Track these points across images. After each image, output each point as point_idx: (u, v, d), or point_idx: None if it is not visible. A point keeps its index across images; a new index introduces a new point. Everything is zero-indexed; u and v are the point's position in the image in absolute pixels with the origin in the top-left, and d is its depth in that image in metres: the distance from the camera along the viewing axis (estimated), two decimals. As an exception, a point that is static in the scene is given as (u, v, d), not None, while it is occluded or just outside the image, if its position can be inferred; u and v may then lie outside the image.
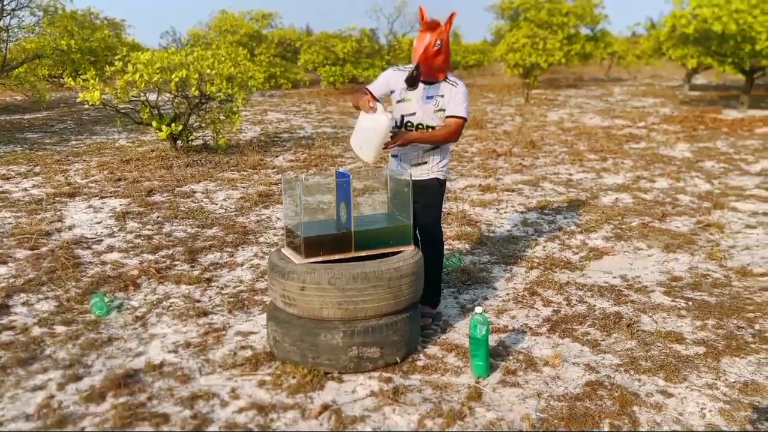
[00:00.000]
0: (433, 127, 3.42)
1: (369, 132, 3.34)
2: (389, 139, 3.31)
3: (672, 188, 6.90)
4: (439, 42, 3.25)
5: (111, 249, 4.79)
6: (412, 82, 3.26)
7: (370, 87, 3.47)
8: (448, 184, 4.26)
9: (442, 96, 3.38)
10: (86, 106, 8.06)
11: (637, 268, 4.51)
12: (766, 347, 3.32)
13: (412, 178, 3.37)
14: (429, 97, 3.39)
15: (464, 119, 3.39)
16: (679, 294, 4.04)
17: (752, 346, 3.33)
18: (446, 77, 3.41)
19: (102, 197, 6.30)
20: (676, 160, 8.45)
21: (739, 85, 17.40)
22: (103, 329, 3.46)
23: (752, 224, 5.55)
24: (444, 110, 3.40)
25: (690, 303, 3.89)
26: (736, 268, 4.49)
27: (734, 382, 2.98)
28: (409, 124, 3.45)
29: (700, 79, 22.85)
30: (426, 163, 3.52)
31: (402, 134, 3.34)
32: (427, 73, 3.31)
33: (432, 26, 3.25)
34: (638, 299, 3.95)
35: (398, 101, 3.46)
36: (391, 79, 3.46)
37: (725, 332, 3.49)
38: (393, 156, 3.64)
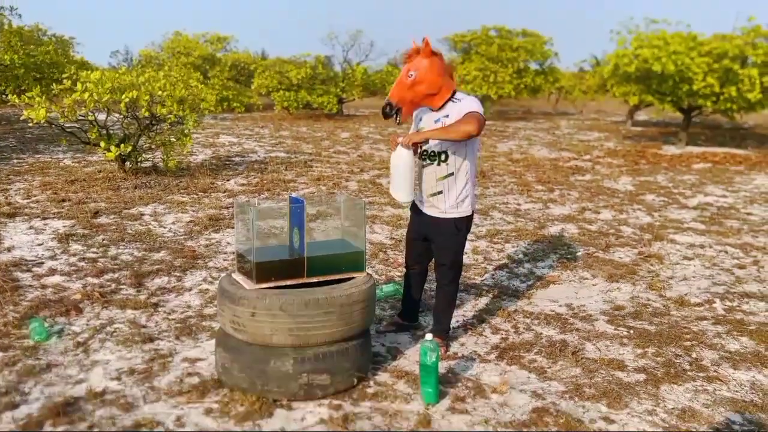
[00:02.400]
0: (447, 155, 3.32)
1: (395, 169, 3.30)
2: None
3: (615, 220, 7.14)
4: (412, 72, 3.23)
5: (53, 272, 4.63)
6: (385, 117, 3.29)
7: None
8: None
9: (447, 116, 3.30)
10: (30, 124, 7.81)
11: (582, 297, 4.64)
12: (703, 375, 3.45)
13: (428, 212, 3.43)
14: (436, 121, 3.34)
15: (479, 113, 3.21)
16: (622, 322, 4.17)
17: (689, 373, 3.46)
18: (451, 98, 3.33)
19: (44, 218, 6.10)
20: (620, 193, 8.76)
21: (677, 122, 18.23)
22: (42, 355, 3.33)
23: (689, 256, 5.79)
24: (448, 117, 3.31)
25: (631, 331, 4.02)
26: (675, 298, 4.67)
27: (672, 408, 3.08)
28: (424, 153, 3.39)
29: (641, 116, 23.81)
30: (441, 192, 3.37)
31: (415, 132, 3.28)
32: (419, 104, 3.35)
33: (407, 58, 3.28)
34: (583, 327, 4.06)
35: (416, 129, 3.48)
36: (416, 117, 3.51)
37: (664, 360, 3.61)
38: (417, 185, 3.50)
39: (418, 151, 3.38)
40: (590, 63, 28.83)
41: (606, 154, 12.99)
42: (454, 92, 3.36)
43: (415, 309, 3.90)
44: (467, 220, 3.47)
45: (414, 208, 3.58)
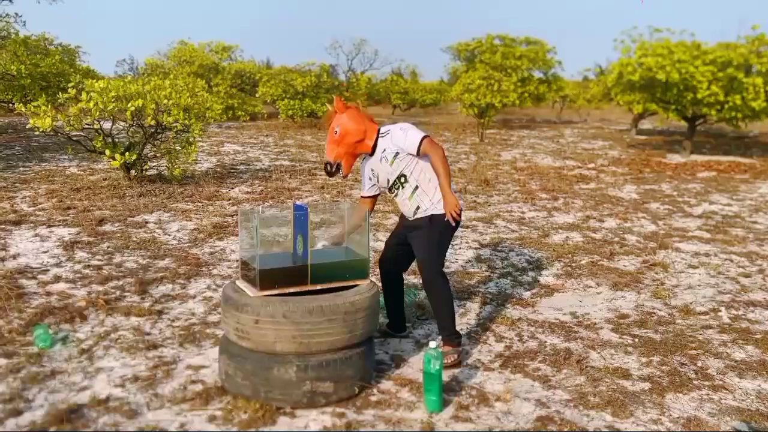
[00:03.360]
0: (405, 176, 3.49)
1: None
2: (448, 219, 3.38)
3: (620, 228, 7.13)
4: (337, 129, 3.47)
5: (57, 279, 4.65)
6: (328, 175, 3.53)
7: (363, 193, 3.71)
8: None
9: (384, 150, 3.50)
10: (36, 133, 7.86)
11: (586, 305, 4.63)
12: (708, 384, 3.43)
13: (411, 219, 3.57)
14: (382, 159, 3.53)
15: (424, 136, 3.40)
16: (626, 331, 4.15)
17: (695, 382, 3.45)
18: (378, 136, 3.53)
19: (50, 226, 6.13)
20: (624, 201, 8.75)
21: (682, 131, 18.22)
22: (46, 362, 3.34)
23: (694, 264, 5.77)
24: (398, 153, 3.46)
25: (636, 340, 4.00)
26: (680, 306, 4.65)
27: (678, 417, 3.06)
28: (392, 187, 3.57)
29: (646, 124, 23.82)
30: (419, 207, 3.54)
31: (452, 202, 3.32)
32: (358, 153, 3.56)
33: (328, 121, 3.56)
34: (587, 336, 4.04)
35: (373, 184, 3.66)
36: (365, 170, 3.67)
37: (669, 369, 3.60)
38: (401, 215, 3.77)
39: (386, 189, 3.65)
40: (594, 71, 28.89)
41: (610, 163, 12.98)
42: (378, 130, 3.57)
43: (398, 318, 3.90)
44: (442, 218, 3.47)
45: (402, 216, 3.75)
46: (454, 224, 3.45)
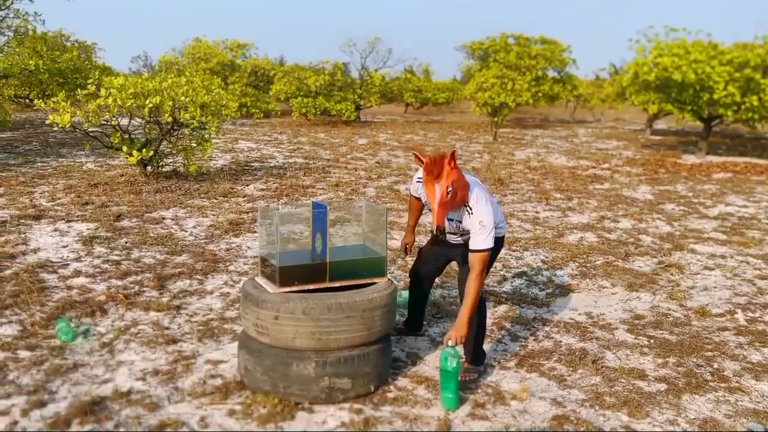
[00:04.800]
0: (460, 233, 3.40)
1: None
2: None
3: (635, 229, 7.11)
4: (450, 189, 3.13)
5: (77, 273, 4.71)
6: (436, 240, 3.41)
7: (412, 192, 3.63)
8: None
9: (461, 221, 3.32)
10: (54, 129, 7.95)
11: (601, 306, 4.63)
12: (725, 385, 3.43)
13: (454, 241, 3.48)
14: (450, 220, 3.35)
15: (483, 251, 3.20)
16: (642, 332, 4.15)
17: (711, 384, 3.45)
18: (466, 204, 3.28)
19: (68, 221, 6.21)
20: (639, 202, 8.71)
21: (697, 131, 18.09)
22: (68, 355, 3.40)
23: (710, 266, 5.75)
24: (461, 222, 3.32)
25: (652, 341, 4.00)
26: (696, 308, 4.64)
27: (694, 418, 3.07)
28: (441, 228, 3.30)
29: (660, 124, 23.65)
30: (466, 233, 3.36)
31: (458, 328, 3.10)
32: (450, 212, 3.29)
33: (437, 175, 3.11)
34: (603, 336, 4.05)
35: (429, 210, 3.38)
36: (419, 190, 3.55)
37: (685, 370, 3.60)
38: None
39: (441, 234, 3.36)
40: (608, 71, 28.74)
41: (625, 163, 12.92)
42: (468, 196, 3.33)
43: (418, 317, 3.92)
44: (495, 242, 3.35)
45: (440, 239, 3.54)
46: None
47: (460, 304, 3.51)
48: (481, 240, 3.21)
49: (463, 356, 3.47)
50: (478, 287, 3.18)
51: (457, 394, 3.04)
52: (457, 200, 3.22)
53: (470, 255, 3.23)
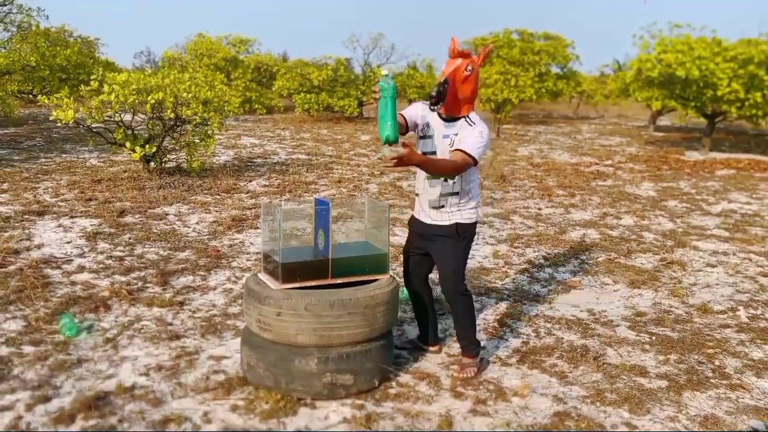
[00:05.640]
0: (457, 134, 3.16)
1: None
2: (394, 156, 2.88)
3: (637, 225, 7.11)
4: (470, 67, 3.05)
5: (81, 269, 4.74)
6: (437, 96, 3.03)
7: (403, 111, 3.26)
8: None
9: (457, 135, 3.14)
10: (57, 124, 7.98)
11: (603, 303, 4.64)
12: (726, 383, 3.44)
13: (428, 220, 3.29)
14: (445, 136, 3.18)
15: (470, 156, 3.07)
16: (643, 329, 4.16)
17: (712, 381, 3.45)
18: (467, 115, 3.17)
19: (72, 217, 6.23)
20: (641, 199, 8.71)
21: (701, 128, 18.04)
22: (72, 350, 3.42)
23: (712, 263, 5.75)
24: (458, 135, 3.16)
25: (653, 338, 4.01)
26: (697, 305, 4.65)
27: (695, 415, 3.08)
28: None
29: (664, 121, 23.60)
30: (443, 206, 3.26)
31: (406, 153, 2.87)
32: (451, 104, 3.12)
33: (464, 54, 3.06)
34: (604, 333, 4.06)
35: (420, 137, 3.29)
36: (419, 110, 3.28)
37: (687, 367, 3.60)
38: (416, 195, 3.41)
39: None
40: (612, 67, 28.66)
41: (628, 160, 12.90)
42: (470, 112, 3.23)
43: (427, 331, 3.64)
44: (471, 228, 3.31)
45: (413, 220, 3.46)
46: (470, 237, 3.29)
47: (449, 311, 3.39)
48: (473, 144, 3.07)
49: (460, 354, 3.45)
50: (451, 165, 3.04)
51: (395, 126, 2.87)
52: (464, 91, 3.07)
53: (454, 153, 3.07)
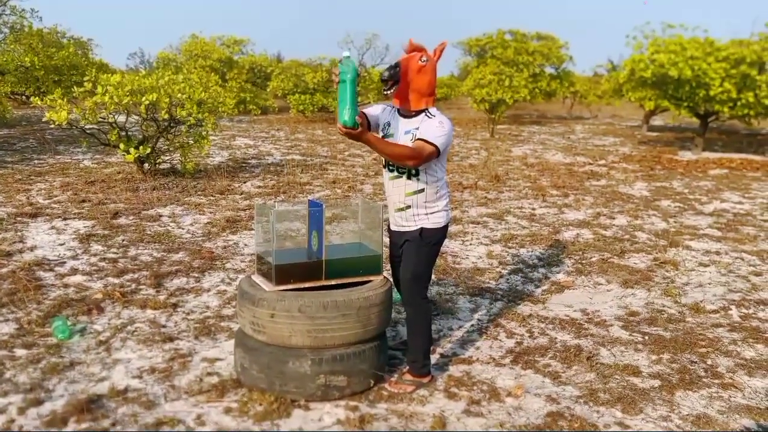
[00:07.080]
0: (417, 169, 3.10)
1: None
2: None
3: (630, 225, 7.13)
4: (424, 58, 3.01)
5: (74, 271, 4.72)
6: (389, 78, 3.01)
7: (365, 110, 3.20)
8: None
9: (417, 128, 3.06)
10: (51, 126, 7.95)
11: (596, 303, 4.65)
12: (718, 382, 3.46)
13: (396, 228, 3.23)
14: (407, 132, 3.10)
15: (431, 144, 2.99)
16: (636, 328, 4.18)
17: (704, 380, 3.47)
18: (427, 109, 3.11)
19: (65, 218, 6.21)
20: (635, 198, 8.74)
21: (693, 127, 18.12)
22: (65, 353, 3.41)
23: (705, 262, 5.77)
24: (418, 129, 3.07)
25: (646, 337, 4.03)
26: (690, 304, 4.67)
27: (687, 415, 3.09)
28: (395, 167, 3.16)
29: (657, 121, 23.68)
30: (409, 207, 3.15)
31: (361, 132, 2.87)
32: (407, 95, 3.07)
33: (419, 48, 3.07)
34: (597, 333, 4.07)
35: (383, 137, 3.20)
36: (380, 111, 3.25)
37: (679, 366, 3.62)
38: (385, 205, 3.34)
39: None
40: (606, 67, 28.74)
41: (621, 159, 12.94)
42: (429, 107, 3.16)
43: None
44: (437, 233, 3.19)
45: (388, 229, 3.39)
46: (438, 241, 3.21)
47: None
48: (433, 133, 3.00)
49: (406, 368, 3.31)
50: (403, 152, 2.97)
51: (354, 105, 2.84)
52: (420, 83, 3.03)
53: (415, 143, 3.01)
